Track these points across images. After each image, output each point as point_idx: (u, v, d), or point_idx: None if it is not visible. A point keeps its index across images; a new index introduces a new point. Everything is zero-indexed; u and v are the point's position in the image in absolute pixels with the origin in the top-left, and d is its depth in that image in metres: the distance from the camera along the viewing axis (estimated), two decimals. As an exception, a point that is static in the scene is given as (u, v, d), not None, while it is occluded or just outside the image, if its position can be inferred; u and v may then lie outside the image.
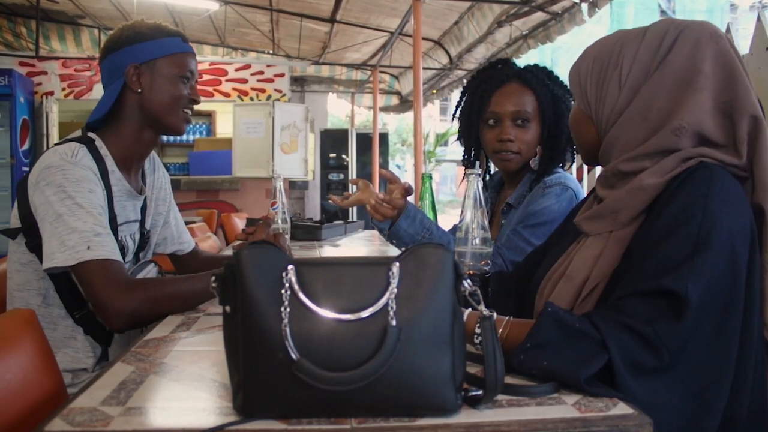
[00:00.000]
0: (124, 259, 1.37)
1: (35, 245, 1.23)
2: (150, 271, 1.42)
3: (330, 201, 1.90)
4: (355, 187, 1.85)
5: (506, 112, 1.53)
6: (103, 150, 1.33)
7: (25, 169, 6.30)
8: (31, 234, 1.25)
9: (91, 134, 1.35)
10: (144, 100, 1.34)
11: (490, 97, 1.55)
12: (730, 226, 0.80)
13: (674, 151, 0.87)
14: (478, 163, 1.29)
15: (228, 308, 0.68)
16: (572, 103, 1.07)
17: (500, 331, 0.86)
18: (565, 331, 0.78)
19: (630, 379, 0.75)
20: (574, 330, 0.78)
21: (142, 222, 1.46)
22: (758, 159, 0.87)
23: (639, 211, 0.88)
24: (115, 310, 1.14)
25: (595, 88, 0.96)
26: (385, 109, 9.17)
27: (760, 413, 0.87)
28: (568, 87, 1.05)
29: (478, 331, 0.73)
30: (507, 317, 0.88)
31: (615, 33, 0.98)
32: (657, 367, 0.76)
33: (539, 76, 1.54)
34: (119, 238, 1.35)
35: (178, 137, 8.10)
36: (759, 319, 0.85)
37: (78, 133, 1.36)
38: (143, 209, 1.46)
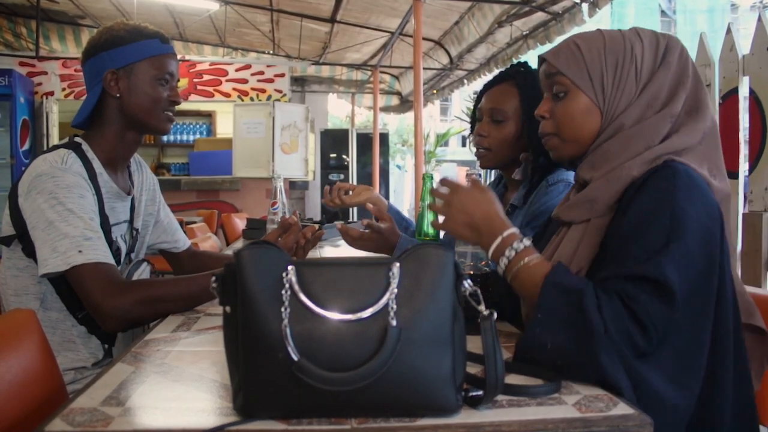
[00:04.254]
0: (119, 260, 1.38)
1: (32, 251, 1.24)
2: (144, 271, 1.43)
3: (328, 205, 1.92)
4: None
5: (485, 109, 1.56)
6: (90, 153, 1.34)
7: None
8: (25, 240, 1.26)
9: (77, 138, 1.36)
10: (123, 105, 1.35)
11: (482, 96, 1.60)
12: (698, 216, 0.85)
13: (661, 133, 0.94)
14: (478, 163, 1.29)
15: (228, 308, 0.68)
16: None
17: (524, 261, 0.90)
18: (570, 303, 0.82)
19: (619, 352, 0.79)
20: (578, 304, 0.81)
21: (131, 222, 1.46)
22: None
23: (613, 200, 0.93)
24: (107, 312, 1.15)
25: (612, 80, 0.97)
26: (386, 109, 9.16)
27: (745, 410, 0.90)
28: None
29: (507, 253, 0.88)
30: (532, 255, 0.91)
31: (613, 30, 1.01)
32: (644, 345, 0.80)
33: (532, 79, 1.54)
34: (113, 239, 1.35)
35: (179, 138, 8.18)
36: (732, 304, 0.90)
37: (65, 139, 1.37)
38: (132, 209, 1.47)
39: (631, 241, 0.86)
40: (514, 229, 0.94)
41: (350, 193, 1.93)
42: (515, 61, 1.77)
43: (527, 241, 0.92)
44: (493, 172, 1.78)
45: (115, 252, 1.35)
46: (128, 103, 1.34)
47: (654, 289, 0.81)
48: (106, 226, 1.32)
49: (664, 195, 0.86)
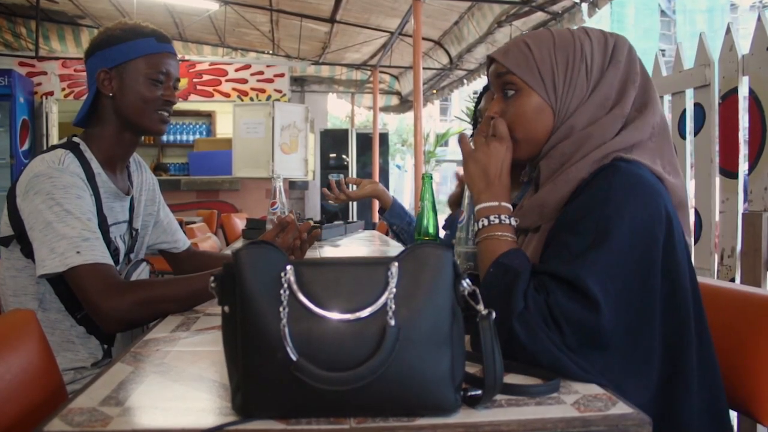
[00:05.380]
0: (117, 260, 1.38)
1: (30, 251, 1.24)
2: (143, 271, 1.43)
3: (329, 201, 1.92)
4: (354, 186, 1.89)
5: (483, 110, 1.58)
6: (88, 153, 1.34)
7: (25, 169, 6.31)
8: (24, 240, 1.26)
9: (75, 138, 1.36)
10: (116, 104, 1.34)
11: (481, 98, 1.61)
12: (633, 218, 0.84)
13: (613, 133, 0.94)
14: None
15: (227, 308, 0.68)
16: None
17: (498, 233, 0.93)
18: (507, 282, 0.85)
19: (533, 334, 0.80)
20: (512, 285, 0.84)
21: (131, 222, 1.46)
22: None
23: (562, 203, 0.93)
24: (105, 314, 1.15)
25: (563, 78, 0.96)
26: (385, 109, 9.17)
27: (714, 404, 0.90)
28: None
29: (491, 219, 0.92)
30: (507, 232, 0.93)
31: (563, 29, 1.02)
32: (560, 341, 0.80)
33: None
34: (111, 239, 1.35)
35: (178, 138, 8.17)
36: (693, 302, 0.89)
37: (64, 139, 1.37)
38: (131, 209, 1.47)
39: (559, 240, 0.87)
40: (510, 207, 0.96)
41: (354, 187, 1.93)
42: None
43: (513, 222, 0.94)
44: None
45: (114, 252, 1.35)
46: (120, 102, 1.34)
47: (571, 290, 0.81)
48: (104, 225, 1.32)
49: (598, 196, 0.86)
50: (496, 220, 0.93)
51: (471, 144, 1.02)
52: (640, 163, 0.91)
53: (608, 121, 0.94)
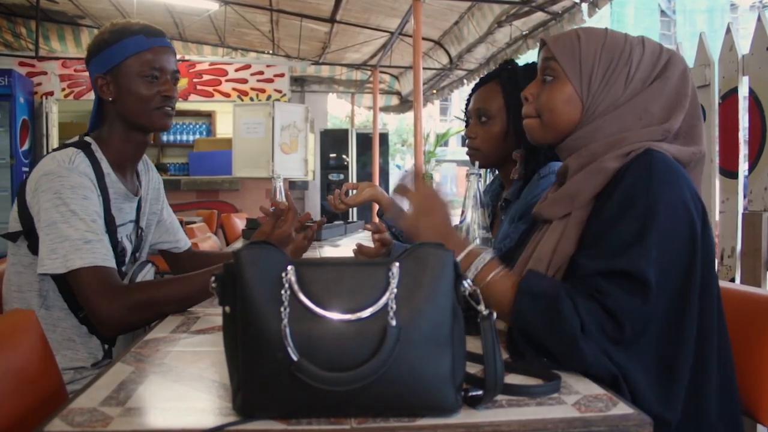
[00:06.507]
0: (124, 260, 1.38)
1: (37, 247, 1.24)
2: (148, 272, 1.43)
3: (332, 208, 1.93)
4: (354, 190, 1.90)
5: (472, 110, 1.58)
6: (99, 154, 1.34)
7: (25, 169, 6.32)
8: (31, 236, 1.26)
9: (87, 138, 1.36)
10: (118, 107, 1.34)
11: (471, 98, 1.61)
12: (674, 202, 0.86)
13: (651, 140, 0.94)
14: (477, 163, 1.29)
15: (228, 308, 0.68)
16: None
17: (492, 273, 0.91)
18: (543, 308, 0.84)
19: (593, 342, 0.80)
20: (551, 309, 0.83)
21: (137, 221, 1.47)
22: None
23: (594, 193, 0.93)
24: (103, 319, 1.16)
25: (601, 76, 0.97)
26: (385, 109, 9.16)
27: (730, 407, 0.90)
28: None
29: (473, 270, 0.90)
30: (499, 268, 0.92)
31: (618, 32, 1.02)
32: (620, 338, 0.81)
33: (517, 76, 1.54)
34: (118, 240, 1.35)
35: (178, 138, 8.17)
36: (717, 301, 0.90)
37: (76, 138, 1.37)
38: (138, 209, 1.47)
39: (606, 233, 0.87)
40: (474, 245, 0.97)
41: (352, 193, 1.94)
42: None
43: (490, 255, 0.94)
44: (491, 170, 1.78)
45: (120, 252, 1.36)
46: (121, 105, 1.33)
47: (628, 282, 0.82)
48: (111, 226, 1.32)
49: (639, 184, 0.87)
50: (481, 264, 0.92)
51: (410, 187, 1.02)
52: (669, 153, 0.91)
53: (646, 133, 0.94)
